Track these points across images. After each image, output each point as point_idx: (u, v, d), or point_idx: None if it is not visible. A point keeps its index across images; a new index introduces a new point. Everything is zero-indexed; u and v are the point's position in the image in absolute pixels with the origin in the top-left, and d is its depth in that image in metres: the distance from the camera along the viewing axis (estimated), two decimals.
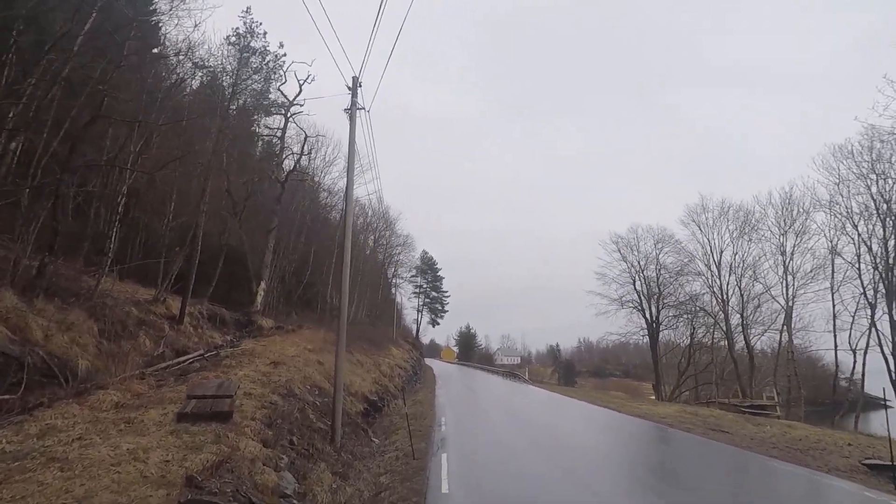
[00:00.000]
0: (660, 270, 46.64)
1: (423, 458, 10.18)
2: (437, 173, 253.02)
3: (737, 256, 38.75)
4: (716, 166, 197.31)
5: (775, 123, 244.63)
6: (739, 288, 38.96)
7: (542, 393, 34.16)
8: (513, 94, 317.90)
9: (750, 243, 38.30)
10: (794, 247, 33.86)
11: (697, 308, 42.59)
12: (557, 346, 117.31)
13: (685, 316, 45.06)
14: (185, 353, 13.20)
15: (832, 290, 30.65)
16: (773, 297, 35.06)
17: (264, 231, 24.79)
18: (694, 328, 45.39)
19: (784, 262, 34.26)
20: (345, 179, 41.36)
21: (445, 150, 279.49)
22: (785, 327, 33.34)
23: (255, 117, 25.94)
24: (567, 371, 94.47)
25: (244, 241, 25.87)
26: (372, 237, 61.92)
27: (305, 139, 24.07)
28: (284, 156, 25.81)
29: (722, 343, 44.07)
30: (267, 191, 26.49)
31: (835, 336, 30.49)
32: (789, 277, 33.86)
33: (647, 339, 48.15)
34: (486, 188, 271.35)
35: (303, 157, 25.19)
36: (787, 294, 34.30)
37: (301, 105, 25.00)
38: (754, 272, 38.18)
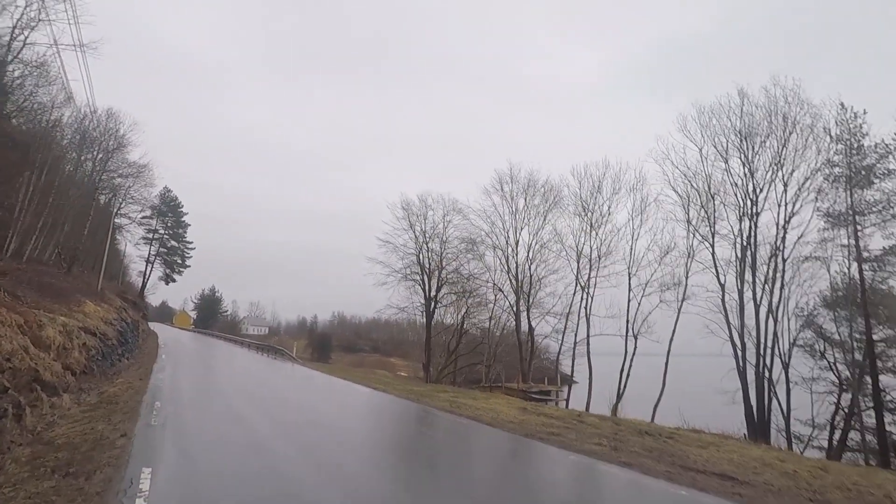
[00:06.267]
0: (445, 244, 42.99)
1: None
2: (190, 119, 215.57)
3: (538, 234, 37.63)
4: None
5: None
6: (529, 268, 38.08)
7: (322, 378, 26.13)
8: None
9: (546, 221, 37.73)
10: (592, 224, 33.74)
11: (485, 283, 40.29)
12: (315, 318, 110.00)
13: (463, 294, 42.66)
14: None
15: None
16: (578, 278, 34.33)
17: None
18: (468, 307, 43.69)
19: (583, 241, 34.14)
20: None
21: (195, 94, 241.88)
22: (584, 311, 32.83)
23: None
24: (323, 345, 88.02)
25: None
26: (89, 155, 43.44)
27: None
28: None
29: (498, 325, 43.38)
30: None
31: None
32: (583, 260, 33.61)
33: (420, 316, 44.59)
34: (247, 147, 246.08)
35: None
36: (580, 277, 34.30)
37: None
38: (543, 253, 37.84)
